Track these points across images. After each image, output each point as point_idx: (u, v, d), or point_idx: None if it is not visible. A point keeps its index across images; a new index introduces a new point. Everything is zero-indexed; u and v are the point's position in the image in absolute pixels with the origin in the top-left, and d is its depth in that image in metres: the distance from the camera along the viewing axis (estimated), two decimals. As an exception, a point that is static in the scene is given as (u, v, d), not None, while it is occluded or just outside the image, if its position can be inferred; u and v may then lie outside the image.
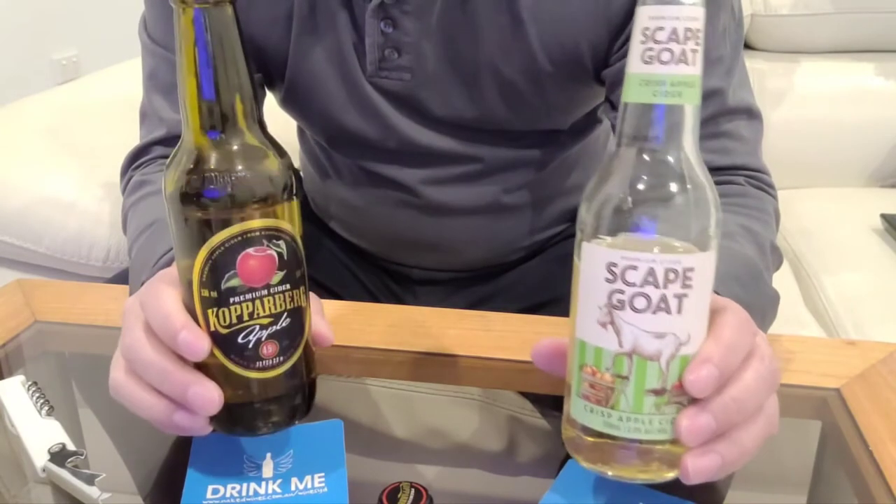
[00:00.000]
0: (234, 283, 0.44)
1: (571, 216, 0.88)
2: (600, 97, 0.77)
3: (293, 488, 0.50)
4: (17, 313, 0.72)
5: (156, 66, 0.76)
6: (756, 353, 0.42)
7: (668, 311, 0.38)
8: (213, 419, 0.46)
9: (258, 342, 0.45)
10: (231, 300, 0.44)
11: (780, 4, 1.51)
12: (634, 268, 0.38)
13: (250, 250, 0.44)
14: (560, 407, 0.47)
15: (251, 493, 0.49)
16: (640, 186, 0.39)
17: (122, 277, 0.77)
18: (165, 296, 0.46)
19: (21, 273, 1.12)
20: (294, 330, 0.46)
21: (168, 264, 0.60)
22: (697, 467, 0.40)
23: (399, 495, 0.47)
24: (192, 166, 0.44)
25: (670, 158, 0.39)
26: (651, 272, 0.38)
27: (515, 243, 0.86)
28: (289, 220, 0.45)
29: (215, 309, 0.44)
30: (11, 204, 1.08)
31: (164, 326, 0.45)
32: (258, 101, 0.45)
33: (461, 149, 0.77)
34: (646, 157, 0.39)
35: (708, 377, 0.39)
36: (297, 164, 0.98)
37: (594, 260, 0.40)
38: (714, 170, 0.68)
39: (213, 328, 0.44)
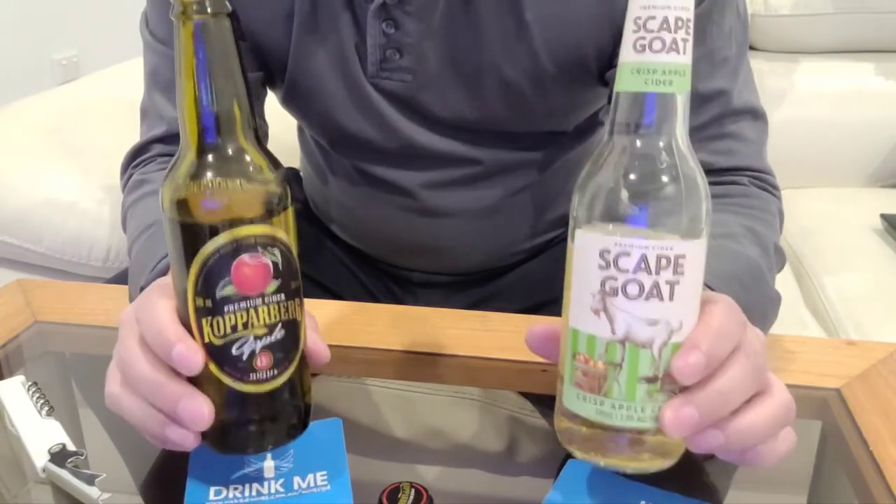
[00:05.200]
0: (228, 290, 0.44)
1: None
2: (602, 99, 0.77)
3: (296, 487, 0.50)
4: (17, 313, 0.72)
5: (157, 63, 0.76)
6: (742, 348, 0.42)
7: (661, 298, 0.39)
8: (205, 437, 0.46)
9: (252, 354, 0.45)
10: (225, 309, 0.44)
11: (780, 4, 1.51)
12: (627, 254, 0.39)
13: (245, 257, 0.44)
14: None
15: (254, 493, 0.49)
16: (632, 175, 0.40)
17: (121, 277, 0.77)
18: (160, 308, 0.46)
19: (21, 273, 1.12)
20: (288, 343, 0.46)
21: (166, 268, 0.60)
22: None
23: (399, 495, 0.47)
24: (187, 174, 0.44)
25: (661, 147, 0.40)
26: (643, 258, 0.39)
27: (515, 246, 0.86)
28: (284, 230, 0.45)
29: (209, 318, 0.44)
30: (11, 204, 1.08)
31: (158, 340, 0.45)
32: (255, 111, 0.45)
33: (462, 151, 0.76)
34: (637, 145, 0.40)
35: (696, 364, 0.39)
36: (297, 165, 0.98)
37: (587, 246, 0.40)
38: (719, 171, 0.68)
39: (207, 339, 0.44)
